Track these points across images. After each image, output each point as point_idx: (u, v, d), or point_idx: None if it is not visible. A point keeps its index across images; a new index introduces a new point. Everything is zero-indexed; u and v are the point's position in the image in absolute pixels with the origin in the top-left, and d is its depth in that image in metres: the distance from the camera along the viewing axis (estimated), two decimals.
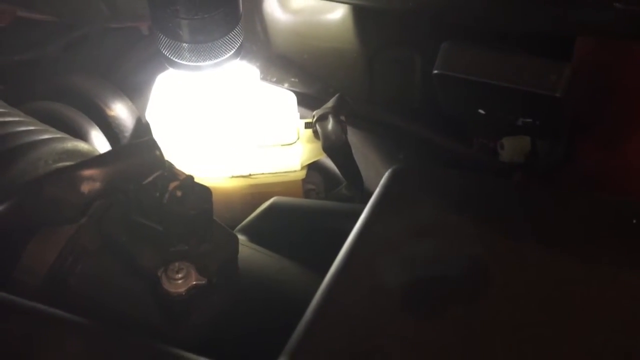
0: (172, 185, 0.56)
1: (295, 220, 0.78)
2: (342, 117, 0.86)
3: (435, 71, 0.76)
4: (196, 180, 0.58)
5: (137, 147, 0.58)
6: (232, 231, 0.61)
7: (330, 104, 0.86)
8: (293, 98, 0.90)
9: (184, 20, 0.68)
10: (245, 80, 0.90)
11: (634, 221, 0.51)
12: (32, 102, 0.97)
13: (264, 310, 0.63)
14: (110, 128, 1.01)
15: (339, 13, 0.96)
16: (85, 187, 0.55)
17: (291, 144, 0.88)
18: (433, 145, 0.95)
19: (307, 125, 0.89)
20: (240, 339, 0.61)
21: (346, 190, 0.91)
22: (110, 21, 1.00)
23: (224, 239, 0.59)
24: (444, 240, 0.52)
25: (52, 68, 1.08)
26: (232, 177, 0.90)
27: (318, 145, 0.86)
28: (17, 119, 0.72)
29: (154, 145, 0.58)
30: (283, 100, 0.89)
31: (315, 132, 0.87)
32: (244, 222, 0.79)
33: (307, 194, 0.95)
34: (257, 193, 0.91)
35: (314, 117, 0.87)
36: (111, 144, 0.98)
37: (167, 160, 0.58)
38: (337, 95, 0.88)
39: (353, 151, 0.86)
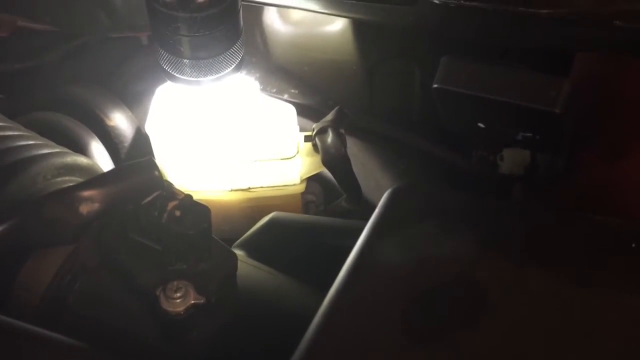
0: (171, 204, 0.57)
1: (294, 235, 0.78)
2: (342, 130, 0.86)
3: (435, 85, 0.76)
4: (195, 199, 0.58)
5: (136, 168, 0.58)
6: (230, 249, 0.62)
7: (329, 117, 0.86)
8: (293, 111, 0.90)
9: (185, 37, 0.68)
10: (245, 93, 0.90)
11: (633, 245, 0.51)
12: (31, 113, 0.97)
13: (262, 328, 0.63)
14: (109, 138, 1.01)
15: (338, 25, 0.96)
16: (85, 208, 0.55)
17: (290, 157, 0.88)
18: (432, 157, 0.95)
19: (307, 139, 0.89)
20: (239, 357, 0.61)
21: (345, 203, 0.91)
22: (110, 31, 1.00)
23: (222, 257, 0.60)
24: (444, 263, 0.52)
25: (52, 77, 1.08)
26: (231, 190, 0.90)
27: (317, 158, 0.86)
28: (16, 133, 0.72)
29: (153, 166, 0.58)
30: (283, 114, 0.89)
31: (314, 146, 0.87)
32: (242, 237, 0.79)
33: (306, 206, 0.95)
34: (256, 206, 0.91)
35: (313, 130, 0.87)
36: (110, 154, 0.98)
37: (166, 180, 0.59)
38: (336, 108, 0.88)
39: (352, 161, 0.86)
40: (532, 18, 0.67)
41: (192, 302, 0.56)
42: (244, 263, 0.68)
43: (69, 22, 0.97)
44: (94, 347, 0.53)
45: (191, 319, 0.56)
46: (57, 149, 0.72)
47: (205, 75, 0.73)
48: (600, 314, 0.49)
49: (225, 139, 0.87)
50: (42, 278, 0.59)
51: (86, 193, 0.56)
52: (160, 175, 0.58)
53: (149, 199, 0.57)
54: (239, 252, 0.71)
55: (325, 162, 0.85)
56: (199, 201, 0.58)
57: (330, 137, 0.84)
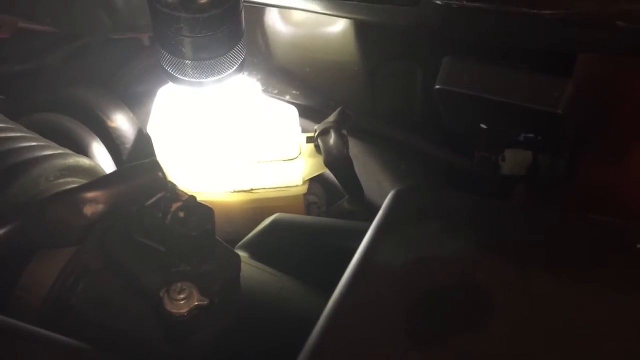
0: (175, 206, 0.57)
1: (297, 237, 0.78)
2: (344, 132, 0.86)
3: (437, 86, 0.76)
4: (199, 200, 0.58)
5: (140, 169, 0.58)
6: (234, 250, 0.61)
7: (332, 118, 0.87)
8: (295, 113, 0.90)
9: (187, 39, 0.68)
10: (247, 94, 0.90)
11: (638, 246, 0.51)
12: (33, 115, 0.97)
13: (266, 330, 0.63)
14: (111, 139, 1.01)
15: (340, 26, 0.96)
16: (88, 210, 0.55)
17: (293, 159, 0.88)
18: (435, 158, 0.95)
19: (309, 140, 0.89)
20: (243, 359, 0.61)
21: (348, 204, 0.91)
22: (111, 32, 1.00)
23: (226, 259, 0.60)
24: (448, 266, 0.52)
25: (54, 79, 1.08)
26: (234, 192, 0.90)
27: (320, 160, 0.86)
28: (18, 134, 0.72)
29: (157, 167, 0.58)
30: (285, 116, 0.89)
31: (317, 147, 0.87)
32: (245, 239, 0.79)
33: (309, 207, 0.95)
34: (258, 208, 0.91)
35: (315, 131, 0.87)
36: (112, 156, 0.98)
37: (170, 182, 0.59)
38: (338, 110, 0.88)
39: (355, 162, 0.86)
40: (535, 19, 0.67)
41: (196, 303, 0.55)
42: (248, 264, 0.68)
43: (71, 23, 0.97)
44: (97, 349, 0.53)
45: (195, 320, 0.56)
46: (60, 151, 0.72)
47: (207, 76, 0.73)
48: (603, 316, 0.49)
49: (227, 140, 0.87)
50: (45, 280, 0.58)
51: (89, 195, 0.56)
52: (164, 177, 0.58)
53: (152, 200, 0.57)
54: (242, 254, 0.71)
55: (328, 164, 0.85)
56: (202, 202, 0.58)
57: (332, 139, 0.84)
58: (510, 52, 0.82)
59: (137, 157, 1.00)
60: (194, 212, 0.57)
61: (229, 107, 0.88)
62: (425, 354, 0.47)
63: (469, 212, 0.58)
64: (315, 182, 0.96)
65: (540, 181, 0.82)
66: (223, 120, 0.88)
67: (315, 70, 1.01)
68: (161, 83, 0.91)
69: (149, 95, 0.97)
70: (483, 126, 0.80)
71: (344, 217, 0.90)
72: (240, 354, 0.61)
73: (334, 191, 0.97)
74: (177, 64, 0.71)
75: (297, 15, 0.99)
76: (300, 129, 0.90)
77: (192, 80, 0.74)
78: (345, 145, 0.85)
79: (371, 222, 0.58)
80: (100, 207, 0.56)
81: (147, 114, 0.92)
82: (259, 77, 1.03)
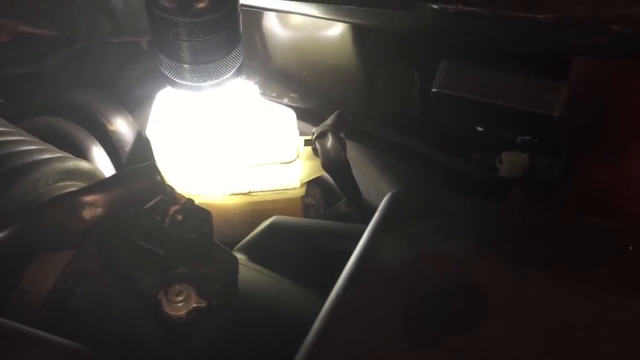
0: (173, 209, 0.57)
1: (294, 239, 0.78)
2: (342, 134, 0.86)
3: (434, 89, 0.76)
4: (197, 203, 0.59)
5: (138, 172, 0.58)
6: (232, 252, 0.62)
7: (329, 121, 0.87)
8: (293, 115, 0.90)
9: (185, 42, 0.68)
10: (245, 97, 0.91)
11: (631, 247, 0.51)
12: (32, 118, 0.97)
13: (263, 331, 0.64)
14: (110, 143, 1.01)
15: (337, 30, 0.96)
16: (87, 213, 0.56)
17: (291, 161, 0.88)
18: (432, 160, 0.96)
19: (307, 143, 0.89)
20: None
21: (345, 206, 0.91)
22: (110, 36, 1.01)
23: (224, 261, 0.60)
24: (444, 267, 0.53)
25: (53, 82, 1.08)
26: (232, 194, 0.91)
27: (317, 162, 0.87)
28: (17, 138, 0.73)
29: (154, 170, 0.58)
30: (283, 118, 0.90)
31: (314, 150, 0.87)
32: (243, 241, 0.79)
33: (306, 209, 0.96)
34: (256, 210, 0.91)
35: (313, 134, 0.87)
36: (111, 159, 0.99)
37: (167, 185, 0.59)
38: (336, 113, 0.88)
39: (352, 165, 0.87)
40: (530, 23, 0.67)
41: (194, 305, 0.56)
42: (245, 267, 0.69)
43: (70, 27, 0.98)
44: (96, 350, 0.53)
45: (193, 322, 0.56)
46: (59, 154, 0.72)
47: (205, 80, 0.73)
48: (599, 317, 0.49)
49: (225, 143, 0.88)
50: (44, 283, 0.59)
51: (88, 198, 0.56)
52: (162, 180, 0.58)
53: (151, 203, 0.57)
54: (239, 256, 0.71)
55: (325, 166, 0.85)
56: (200, 205, 0.58)
57: (330, 141, 0.85)
58: (506, 56, 0.82)
59: (136, 160, 1.00)
60: (192, 215, 0.57)
61: (227, 110, 0.88)
62: (421, 355, 0.48)
63: (465, 214, 0.58)
64: (313, 184, 0.97)
65: (537, 183, 0.83)
66: (221, 123, 0.88)
67: (313, 73, 1.02)
68: (160, 86, 0.92)
69: (148, 98, 0.97)
70: (480, 129, 0.81)
71: (342, 219, 0.90)
72: (238, 355, 0.61)
73: (332, 193, 0.97)
74: (175, 68, 0.72)
75: (295, 19, 0.99)
76: (297, 132, 0.90)
77: (190, 83, 0.74)
78: (343, 147, 0.85)
79: (368, 224, 0.59)
80: (98, 210, 0.56)
81: (146, 117, 0.93)
82: (257, 80, 1.03)
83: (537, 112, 0.72)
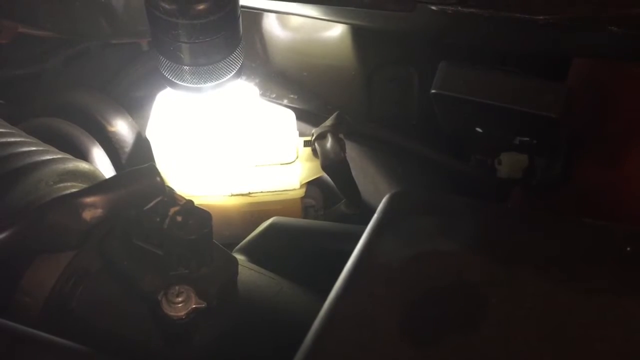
0: (173, 210, 0.57)
1: (294, 240, 0.78)
2: (341, 135, 0.86)
3: (433, 90, 0.77)
4: (196, 204, 0.59)
5: (138, 174, 0.59)
6: (231, 254, 0.62)
7: (329, 122, 0.87)
8: (292, 117, 0.90)
9: (185, 44, 0.68)
10: (245, 99, 0.91)
11: (628, 249, 0.52)
12: (32, 119, 0.97)
13: (263, 332, 0.64)
14: (110, 143, 1.01)
15: (337, 31, 0.96)
16: (87, 214, 0.56)
17: (290, 162, 0.89)
18: (431, 161, 0.96)
19: (306, 144, 0.89)
20: None
21: (345, 207, 0.91)
22: (110, 37, 1.01)
23: (223, 262, 0.60)
24: (443, 267, 0.53)
25: (53, 83, 1.08)
26: (232, 195, 0.91)
27: (317, 163, 0.87)
28: (18, 139, 0.73)
29: (154, 172, 0.58)
30: (282, 120, 0.90)
31: (314, 151, 0.87)
32: (243, 242, 0.79)
33: (306, 210, 0.96)
34: (256, 211, 0.92)
35: (312, 135, 0.87)
36: (111, 160, 0.99)
37: (167, 186, 0.59)
38: (335, 114, 0.88)
39: (351, 166, 0.87)
40: (529, 24, 0.67)
41: (194, 306, 0.56)
42: (245, 267, 0.69)
43: (70, 28, 0.98)
44: (96, 351, 0.53)
45: (193, 323, 0.57)
46: (59, 155, 0.72)
47: (205, 81, 0.73)
48: (597, 318, 0.49)
49: (225, 144, 0.88)
50: (44, 283, 0.59)
51: (88, 199, 0.56)
52: (162, 181, 0.59)
53: (150, 204, 0.57)
54: (239, 257, 0.71)
55: (325, 167, 0.86)
56: (200, 206, 0.59)
57: (329, 142, 0.85)
58: (505, 57, 0.82)
59: (137, 161, 1.01)
60: (192, 216, 0.57)
61: (227, 111, 0.89)
62: (420, 355, 0.48)
63: (464, 215, 0.58)
64: (313, 185, 0.97)
65: (537, 184, 0.83)
66: (221, 124, 0.88)
67: (313, 74, 1.02)
68: (160, 87, 0.92)
69: (148, 99, 0.97)
70: (479, 130, 0.81)
71: (341, 220, 0.90)
72: (237, 356, 0.61)
73: (331, 194, 0.98)
74: (175, 70, 0.72)
75: (295, 20, 1.00)
76: (297, 133, 0.90)
77: (190, 85, 0.74)
78: (342, 148, 0.85)
79: (367, 225, 0.59)
80: (99, 212, 0.57)
81: (146, 118, 0.93)
82: (257, 81, 1.03)
83: (536, 113, 0.73)
